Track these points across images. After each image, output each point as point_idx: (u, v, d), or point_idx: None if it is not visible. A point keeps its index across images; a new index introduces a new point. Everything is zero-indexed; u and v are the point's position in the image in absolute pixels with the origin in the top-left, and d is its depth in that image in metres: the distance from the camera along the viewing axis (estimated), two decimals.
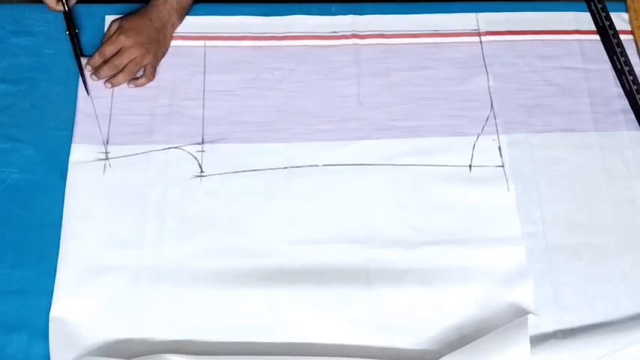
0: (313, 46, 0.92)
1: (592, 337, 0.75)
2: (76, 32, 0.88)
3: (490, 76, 0.91)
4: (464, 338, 0.75)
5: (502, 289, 0.78)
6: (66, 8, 0.87)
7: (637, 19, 0.96)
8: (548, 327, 0.77)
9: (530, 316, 0.73)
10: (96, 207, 0.80)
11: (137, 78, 0.87)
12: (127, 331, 0.74)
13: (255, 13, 0.94)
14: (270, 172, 0.84)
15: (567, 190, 0.85)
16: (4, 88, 0.86)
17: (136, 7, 0.92)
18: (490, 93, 0.90)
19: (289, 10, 0.94)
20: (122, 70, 0.86)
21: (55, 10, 0.87)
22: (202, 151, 0.84)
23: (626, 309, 0.78)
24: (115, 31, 0.87)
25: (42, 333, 0.73)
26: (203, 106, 0.87)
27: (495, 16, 0.96)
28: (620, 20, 0.96)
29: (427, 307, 0.77)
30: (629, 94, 0.91)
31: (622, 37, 0.95)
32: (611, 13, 0.96)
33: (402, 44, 0.93)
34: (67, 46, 0.89)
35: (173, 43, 0.91)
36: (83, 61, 0.87)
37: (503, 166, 0.85)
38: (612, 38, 0.94)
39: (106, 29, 0.91)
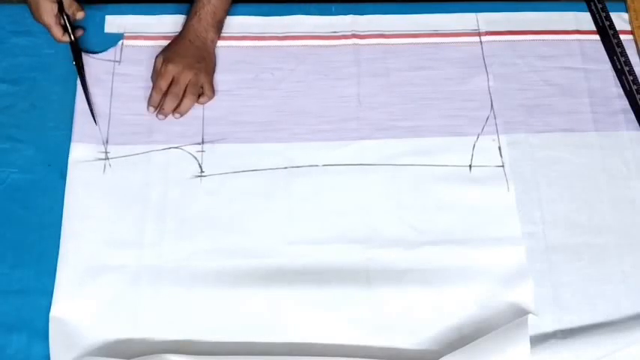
0: (313, 46, 0.92)
1: (592, 337, 0.75)
2: (82, 63, 0.87)
3: (490, 76, 0.91)
4: (464, 338, 0.75)
5: (502, 289, 0.78)
6: (72, 39, 0.87)
7: (637, 19, 0.96)
8: (548, 327, 0.77)
9: (530, 316, 0.73)
10: (96, 207, 0.80)
11: (197, 98, 0.87)
12: (127, 331, 0.74)
13: (255, 13, 0.94)
14: (270, 172, 0.84)
15: (567, 190, 0.85)
16: (4, 88, 0.87)
17: (136, 6, 0.93)
18: (490, 93, 0.90)
19: (289, 10, 0.94)
20: (183, 96, 0.85)
21: (61, 42, 0.86)
22: (202, 151, 0.84)
23: (626, 309, 0.78)
24: (162, 64, 0.86)
25: (42, 333, 0.73)
26: (203, 106, 0.87)
27: (495, 16, 0.96)
28: (620, 20, 0.96)
29: (427, 307, 0.77)
30: (629, 94, 0.91)
31: (622, 37, 0.95)
32: (611, 13, 0.96)
33: (402, 44, 0.93)
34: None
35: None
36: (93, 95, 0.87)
37: (503, 166, 0.85)
38: (612, 38, 0.94)
39: (106, 30, 0.91)
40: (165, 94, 0.85)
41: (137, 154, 0.84)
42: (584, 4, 0.98)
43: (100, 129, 0.84)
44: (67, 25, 0.86)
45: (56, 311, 0.74)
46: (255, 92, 0.89)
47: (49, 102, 0.86)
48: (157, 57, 0.88)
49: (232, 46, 0.92)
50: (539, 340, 0.75)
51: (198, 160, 0.84)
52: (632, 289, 0.79)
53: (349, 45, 0.93)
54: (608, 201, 0.84)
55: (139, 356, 0.71)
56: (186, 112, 0.86)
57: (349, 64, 0.91)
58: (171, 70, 0.85)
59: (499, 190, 0.84)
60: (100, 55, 0.89)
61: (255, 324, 0.75)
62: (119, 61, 0.89)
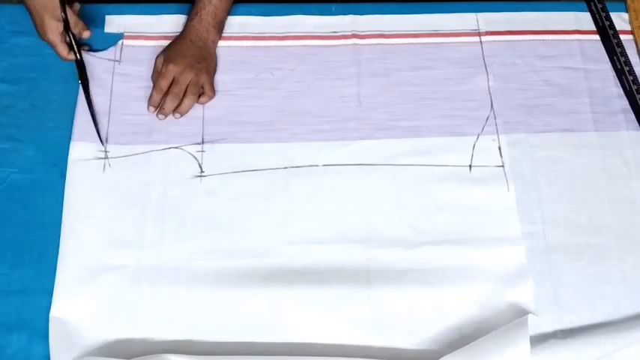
0: (313, 46, 0.92)
1: (592, 337, 0.75)
2: (88, 81, 0.86)
3: (490, 76, 0.91)
4: (464, 338, 0.75)
5: (502, 289, 0.78)
6: (78, 57, 0.86)
7: (637, 19, 0.96)
8: (548, 327, 0.77)
9: (530, 316, 0.73)
10: (96, 207, 0.80)
11: (198, 97, 0.87)
12: (127, 331, 0.74)
13: (255, 13, 0.94)
14: (270, 172, 0.84)
15: (567, 190, 0.85)
16: (4, 88, 0.87)
17: (136, 6, 0.93)
18: (490, 93, 0.90)
19: (289, 10, 0.94)
20: (184, 96, 0.85)
21: (67, 60, 0.86)
22: (202, 151, 0.84)
23: (626, 309, 0.78)
24: (162, 64, 0.86)
25: (42, 333, 0.73)
26: (203, 106, 0.87)
27: (495, 16, 0.96)
28: (620, 20, 0.96)
29: (427, 307, 0.77)
30: (629, 94, 0.91)
31: (622, 37, 0.95)
32: (611, 13, 0.96)
33: (402, 44, 0.93)
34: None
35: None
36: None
37: (503, 166, 0.85)
38: (612, 38, 0.94)
39: (106, 29, 0.91)
40: (166, 94, 0.85)
41: (137, 154, 0.84)
42: (584, 4, 0.98)
43: (100, 132, 0.84)
44: (73, 43, 0.85)
45: (56, 311, 0.74)
46: (255, 92, 0.89)
47: (49, 102, 0.86)
48: (157, 57, 0.88)
49: (232, 46, 0.92)
50: (539, 340, 0.75)
51: (198, 160, 0.84)
52: (632, 289, 0.79)
53: (349, 45, 0.93)
54: (608, 201, 0.84)
55: (139, 356, 0.71)
56: (187, 112, 0.86)
57: (349, 64, 0.91)
58: (172, 70, 0.85)
59: (499, 190, 0.84)
60: (100, 54, 0.89)
61: (255, 324, 0.75)
62: (119, 61, 0.89)
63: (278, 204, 0.82)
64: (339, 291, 0.77)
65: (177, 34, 0.91)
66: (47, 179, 0.81)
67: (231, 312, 0.76)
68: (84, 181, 0.81)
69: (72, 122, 0.84)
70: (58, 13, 0.83)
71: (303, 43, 0.93)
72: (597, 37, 0.95)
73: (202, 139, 0.85)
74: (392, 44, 0.93)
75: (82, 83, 0.86)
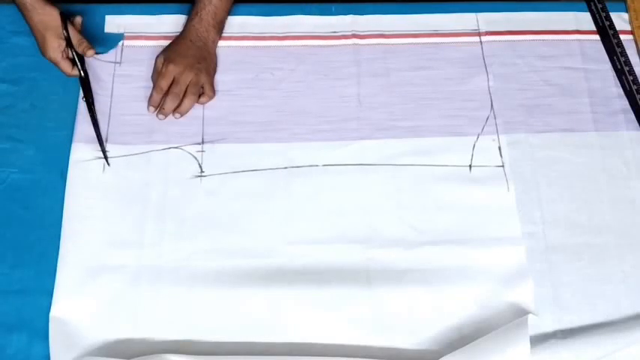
0: (313, 46, 0.92)
1: (592, 337, 0.75)
2: (93, 99, 0.86)
3: (490, 76, 0.91)
4: (464, 338, 0.75)
5: (502, 289, 0.78)
6: (82, 74, 0.85)
7: (637, 19, 0.96)
8: (548, 327, 0.77)
9: (530, 316, 0.73)
10: (96, 207, 0.80)
11: (198, 98, 0.87)
12: (127, 331, 0.74)
13: (255, 13, 0.94)
14: (270, 172, 0.84)
15: (567, 190, 0.85)
16: (4, 88, 0.87)
17: (136, 6, 0.93)
18: (490, 93, 0.90)
19: (289, 10, 0.94)
20: (184, 96, 0.85)
21: (70, 76, 0.86)
22: (202, 151, 0.84)
23: (626, 309, 0.78)
24: (163, 64, 0.86)
25: (42, 333, 0.73)
26: (203, 106, 0.87)
27: (495, 16, 0.96)
28: (620, 20, 0.96)
29: (427, 307, 0.77)
30: (629, 94, 0.91)
31: (622, 37, 0.95)
32: (611, 13, 0.96)
33: (402, 44, 0.93)
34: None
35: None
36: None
37: (503, 166, 0.85)
38: (612, 38, 0.94)
39: (106, 29, 0.91)
40: (166, 94, 0.85)
41: (137, 153, 0.84)
42: (584, 4, 0.98)
43: (96, 116, 0.85)
44: (76, 59, 0.85)
45: (56, 311, 0.74)
46: (255, 92, 0.89)
47: (49, 102, 0.86)
48: (157, 57, 0.88)
49: (232, 46, 0.92)
50: (539, 340, 0.75)
51: (198, 160, 0.84)
52: (632, 289, 0.79)
53: (349, 45, 0.93)
54: (608, 201, 0.84)
55: (139, 356, 0.71)
56: (187, 112, 0.86)
57: (349, 64, 0.91)
58: (172, 70, 0.85)
59: (499, 190, 0.84)
60: (100, 57, 0.89)
61: (255, 324, 0.75)
62: (120, 63, 0.89)
63: (278, 204, 0.82)
64: (339, 291, 0.77)
65: (178, 34, 0.91)
66: (47, 179, 0.81)
67: (231, 312, 0.76)
68: (84, 181, 0.81)
69: (72, 122, 0.84)
70: (60, 31, 0.83)
71: (303, 43, 0.93)
72: (597, 37, 0.95)
73: (202, 139, 0.85)
74: (392, 44, 0.93)
75: (85, 101, 0.85)
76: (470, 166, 0.85)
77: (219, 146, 0.85)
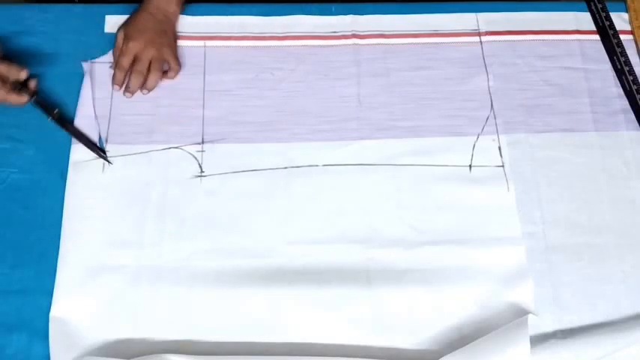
0: (313, 46, 0.92)
1: (592, 337, 0.75)
2: (57, 112, 0.82)
3: (490, 76, 0.91)
4: (464, 338, 0.75)
5: (502, 289, 0.78)
6: (29, 99, 0.81)
7: (637, 19, 0.96)
8: (548, 327, 0.77)
9: (530, 316, 0.73)
10: (96, 207, 0.80)
11: (166, 73, 0.88)
12: (127, 331, 0.74)
13: (255, 13, 0.94)
14: (270, 172, 0.84)
15: (567, 190, 0.85)
16: None
17: (136, 6, 0.92)
18: (490, 93, 0.90)
19: (289, 10, 0.94)
20: (149, 72, 0.86)
21: (21, 105, 0.81)
22: (202, 151, 0.84)
23: (626, 309, 0.78)
24: (123, 41, 0.86)
25: (42, 333, 0.73)
26: (203, 106, 0.87)
27: (495, 16, 0.96)
28: (620, 20, 0.96)
29: (427, 307, 0.77)
30: (629, 94, 0.91)
31: (622, 37, 0.95)
32: (611, 13, 0.96)
33: (402, 44, 0.93)
34: (67, 46, 0.89)
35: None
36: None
37: (503, 166, 0.85)
38: (612, 38, 0.94)
39: (106, 30, 0.91)
40: (130, 72, 0.85)
41: (137, 153, 0.84)
42: (584, 4, 0.98)
43: (96, 115, 0.85)
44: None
45: (56, 311, 0.74)
46: (255, 92, 0.89)
47: (49, 102, 0.86)
48: (117, 31, 0.88)
49: (232, 46, 0.92)
50: (539, 340, 0.75)
51: (198, 160, 0.84)
52: (632, 289, 0.79)
53: (349, 45, 0.93)
54: (608, 201, 0.84)
55: (139, 356, 0.71)
56: (154, 87, 0.86)
57: (349, 64, 0.91)
58: (133, 47, 0.85)
59: (499, 190, 0.84)
60: (100, 59, 0.89)
61: (255, 324, 0.75)
62: None
63: (278, 204, 0.82)
64: (339, 291, 0.77)
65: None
66: (47, 179, 0.81)
67: (231, 312, 0.76)
68: (84, 181, 0.81)
69: (72, 122, 0.84)
70: None
71: (303, 43, 0.93)
72: (597, 37, 0.95)
73: (202, 139, 0.85)
74: (392, 44, 0.93)
75: (53, 120, 0.82)
76: (470, 166, 0.85)
77: (219, 146, 0.85)
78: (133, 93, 0.86)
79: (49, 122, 0.83)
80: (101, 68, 0.88)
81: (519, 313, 0.76)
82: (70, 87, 0.87)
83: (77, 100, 0.86)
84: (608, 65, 0.93)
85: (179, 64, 0.88)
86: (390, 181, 0.84)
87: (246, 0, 0.95)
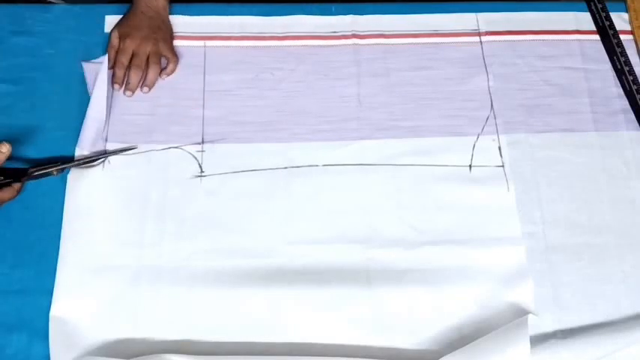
0: (313, 46, 0.92)
1: (592, 337, 0.75)
2: (59, 164, 0.79)
3: (490, 76, 0.91)
4: (464, 338, 0.75)
5: (502, 289, 0.78)
6: (21, 183, 0.76)
7: (637, 19, 0.96)
8: (548, 327, 0.77)
9: (530, 316, 0.73)
10: (96, 207, 0.80)
11: (165, 68, 0.88)
12: (127, 331, 0.74)
13: (255, 13, 0.94)
14: (270, 172, 0.84)
15: (567, 190, 0.85)
16: (4, 88, 0.86)
17: None
18: (490, 93, 0.90)
19: (289, 10, 0.94)
20: (147, 67, 0.87)
21: (14, 195, 0.76)
22: (202, 151, 0.84)
23: (626, 309, 0.78)
24: (119, 40, 0.87)
25: (42, 333, 0.73)
26: (203, 106, 0.87)
27: (495, 16, 0.96)
28: (620, 20, 0.96)
29: (427, 307, 0.77)
30: (629, 94, 0.91)
31: (622, 37, 0.95)
32: (611, 13, 0.96)
33: (402, 44, 0.93)
34: (67, 46, 0.89)
35: (173, 43, 0.91)
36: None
37: (503, 166, 0.85)
38: (612, 38, 0.94)
39: (106, 30, 0.91)
40: (128, 69, 0.86)
41: (137, 153, 0.83)
42: (584, 4, 0.98)
43: (104, 119, 0.84)
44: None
45: (56, 311, 0.74)
46: (255, 92, 0.89)
47: (49, 102, 0.86)
48: (111, 32, 0.89)
49: (232, 46, 0.92)
50: (539, 340, 0.75)
51: (198, 160, 0.84)
52: (632, 289, 0.79)
53: (349, 45, 0.93)
54: (608, 201, 0.84)
55: (138, 356, 0.71)
56: (153, 83, 0.87)
57: (349, 64, 0.91)
58: (130, 44, 0.86)
59: (499, 190, 0.84)
60: (100, 59, 0.89)
61: (255, 324, 0.75)
62: None
63: (278, 204, 0.82)
64: (339, 291, 0.77)
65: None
66: (47, 179, 0.81)
67: (231, 312, 0.76)
68: (84, 181, 0.81)
69: (72, 122, 0.84)
70: None
71: (303, 43, 0.92)
72: (597, 37, 0.95)
73: (202, 139, 0.85)
74: (392, 44, 0.93)
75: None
76: (470, 166, 0.85)
77: (219, 146, 0.85)
78: (133, 90, 0.86)
79: (48, 126, 0.84)
80: (101, 67, 0.88)
81: (519, 313, 0.76)
82: (70, 87, 0.87)
83: (77, 100, 0.86)
84: (608, 65, 0.93)
85: (177, 57, 0.89)
86: (390, 181, 0.84)
87: (246, 0, 0.95)
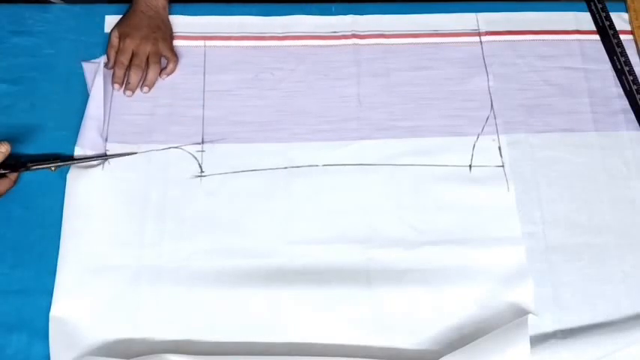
0: (313, 46, 0.92)
1: (592, 337, 0.75)
2: (57, 160, 0.80)
3: (490, 76, 0.91)
4: (464, 338, 0.75)
5: (502, 289, 0.78)
6: (17, 174, 0.78)
7: (637, 19, 0.96)
8: (548, 327, 0.77)
9: (530, 316, 0.73)
10: (96, 207, 0.80)
11: (165, 68, 0.88)
12: (127, 331, 0.74)
13: (255, 13, 0.94)
14: (270, 172, 0.84)
15: (567, 190, 0.85)
16: (4, 88, 0.86)
17: None
18: (490, 93, 0.90)
19: (289, 10, 0.94)
20: (147, 67, 0.87)
21: (11, 186, 0.77)
22: (202, 151, 0.84)
23: (626, 309, 0.78)
24: (119, 40, 0.87)
25: (42, 333, 0.73)
26: (203, 106, 0.87)
27: (495, 16, 0.96)
28: (620, 20, 0.96)
29: (427, 307, 0.77)
30: (629, 94, 0.91)
31: (622, 37, 0.95)
32: (611, 13, 0.96)
33: (402, 44, 0.93)
34: (67, 46, 0.89)
35: (173, 42, 0.91)
36: None
37: (503, 166, 0.85)
38: (612, 38, 0.94)
39: (106, 30, 0.91)
40: (129, 68, 0.86)
41: (138, 152, 0.83)
42: (584, 4, 0.98)
43: (103, 118, 0.85)
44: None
45: (56, 311, 0.74)
46: (255, 92, 0.89)
47: (49, 102, 0.86)
48: (111, 32, 0.89)
49: (232, 46, 0.92)
50: (539, 340, 0.75)
51: (198, 160, 0.84)
52: (632, 289, 0.79)
53: (349, 45, 0.93)
54: (608, 201, 0.84)
55: (138, 356, 0.71)
56: (153, 83, 0.87)
57: (349, 64, 0.91)
58: (130, 44, 0.86)
59: (499, 190, 0.84)
60: (100, 59, 0.89)
61: (255, 324, 0.75)
62: None
63: (278, 204, 0.82)
64: (339, 291, 0.77)
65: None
66: (47, 179, 0.81)
67: (231, 312, 0.76)
68: (84, 181, 0.81)
69: (72, 122, 0.84)
70: None
71: (303, 43, 0.93)
72: (597, 37, 0.95)
73: (202, 139, 0.85)
74: (392, 44, 0.93)
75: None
76: (470, 166, 0.85)
77: (219, 146, 0.85)
78: (133, 90, 0.86)
79: (48, 126, 0.84)
80: (102, 69, 0.88)
81: (519, 313, 0.76)
82: (70, 87, 0.87)
83: (77, 100, 0.86)
84: (608, 65, 0.93)
85: (176, 57, 0.89)
86: (390, 181, 0.84)
87: (246, 0, 0.95)
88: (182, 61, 0.90)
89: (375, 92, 0.90)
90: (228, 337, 0.75)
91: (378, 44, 0.93)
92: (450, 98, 0.90)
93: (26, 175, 0.81)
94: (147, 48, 0.87)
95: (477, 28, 0.95)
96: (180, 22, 0.92)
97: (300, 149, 0.85)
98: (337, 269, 0.78)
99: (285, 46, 0.92)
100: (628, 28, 0.96)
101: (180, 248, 0.79)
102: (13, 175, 0.77)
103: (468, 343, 0.73)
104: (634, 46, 0.95)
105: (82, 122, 0.84)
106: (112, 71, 0.87)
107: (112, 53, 0.87)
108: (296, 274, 0.78)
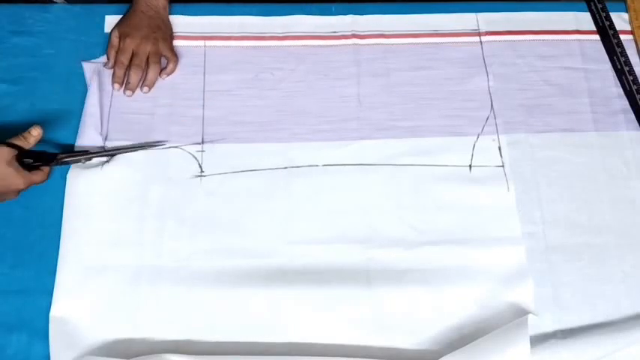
0: (313, 46, 0.92)
1: (592, 337, 0.75)
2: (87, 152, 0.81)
3: (490, 76, 0.91)
4: (464, 338, 0.75)
5: (502, 289, 0.78)
6: (50, 168, 0.78)
7: (637, 19, 0.96)
8: (548, 327, 0.77)
9: (530, 316, 0.73)
10: (96, 207, 0.80)
11: (165, 68, 0.88)
12: (127, 331, 0.74)
13: (255, 13, 0.94)
14: (270, 172, 0.84)
15: (567, 190, 0.85)
16: (4, 88, 0.86)
17: None
18: (490, 93, 0.90)
19: (289, 10, 0.94)
20: (147, 67, 0.87)
21: (45, 179, 0.77)
22: (202, 151, 0.84)
23: (626, 309, 0.78)
24: (119, 40, 0.87)
25: (42, 333, 0.73)
26: (203, 106, 0.87)
27: (495, 16, 0.96)
28: (620, 20, 0.96)
29: (427, 307, 0.77)
30: (629, 94, 0.91)
31: (622, 37, 0.95)
32: (611, 13, 0.96)
33: (402, 44, 0.93)
34: (67, 46, 0.89)
35: (173, 42, 0.91)
36: None
37: (503, 166, 0.85)
38: (612, 38, 0.94)
39: (106, 30, 0.91)
40: (129, 68, 0.86)
41: (138, 151, 0.83)
42: (584, 4, 0.98)
43: (101, 117, 0.84)
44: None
45: (56, 311, 0.74)
46: (255, 92, 0.89)
47: (49, 102, 0.86)
48: (111, 32, 0.89)
49: (232, 46, 0.92)
50: (539, 340, 0.75)
51: (198, 160, 0.84)
52: (632, 289, 0.79)
53: (349, 45, 0.93)
54: (608, 201, 0.84)
55: (138, 356, 0.71)
56: (153, 82, 0.87)
57: (349, 64, 0.91)
58: (130, 43, 0.86)
59: (499, 190, 0.84)
60: (100, 59, 0.89)
61: (255, 324, 0.75)
62: None
63: (278, 204, 0.82)
64: (339, 291, 0.77)
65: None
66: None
67: (231, 312, 0.76)
68: (84, 181, 0.81)
69: (72, 122, 0.84)
70: (14, 162, 0.74)
71: (303, 43, 0.93)
72: (597, 37, 0.95)
73: (202, 139, 0.85)
74: (392, 44, 0.93)
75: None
76: (470, 166, 0.85)
77: (219, 146, 0.85)
78: (133, 90, 0.86)
79: (49, 126, 0.83)
80: (101, 68, 0.88)
81: (519, 313, 0.76)
82: (70, 87, 0.87)
83: (77, 100, 0.86)
84: (608, 65, 0.93)
85: (176, 57, 0.89)
86: (389, 181, 0.84)
87: (246, 0, 0.95)
88: (182, 61, 0.90)
89: (375, 92, 0.90)
90: (228, 337, 0.75)
91: (378, 44, 0.93)
92: (450, 98, 0.90)
93: None
94: (147, 48, 0.87)
95: (476, 28, 0.95)
96: (181, 22, 0.92)
97: (300, 149, 0.85)
98: (337, 269, 0.78)
99: (285, 46, 0.92)
100: (628, 28, 0.96)
101: (180, 248, 0.79)
102: (46, 168, 0.78)
103: (468, 343, 0.73)
104: (634, 46, 0.95)
105: (81, 121, 0.84)
106: (112, 71, 0.87)
107: (112, 53, 0.88)
108: (296, 274, 0.78)
